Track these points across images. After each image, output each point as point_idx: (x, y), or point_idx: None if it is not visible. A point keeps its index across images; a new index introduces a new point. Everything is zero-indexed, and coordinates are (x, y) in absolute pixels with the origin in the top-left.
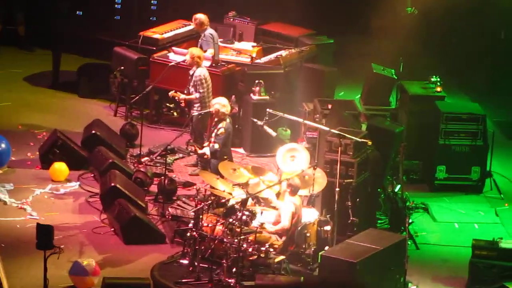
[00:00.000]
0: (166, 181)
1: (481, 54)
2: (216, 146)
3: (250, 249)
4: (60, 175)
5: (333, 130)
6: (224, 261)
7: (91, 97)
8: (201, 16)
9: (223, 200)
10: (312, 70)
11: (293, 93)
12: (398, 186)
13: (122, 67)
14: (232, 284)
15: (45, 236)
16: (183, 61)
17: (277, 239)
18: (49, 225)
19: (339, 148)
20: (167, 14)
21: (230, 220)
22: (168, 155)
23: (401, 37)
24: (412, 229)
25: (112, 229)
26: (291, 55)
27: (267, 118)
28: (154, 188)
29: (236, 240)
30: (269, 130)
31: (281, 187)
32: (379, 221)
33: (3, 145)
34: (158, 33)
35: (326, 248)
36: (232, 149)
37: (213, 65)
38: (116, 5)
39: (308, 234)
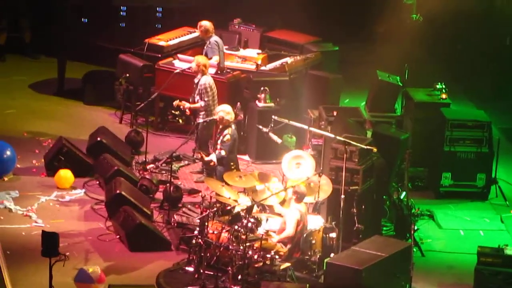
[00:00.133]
0: (171, 188)
1: (486, 60)
2: (223, 153)
3: (255, 256)
4: (65, 183)
5: (338, 137)
6: (230, 268)
7: (96, 104)
8: (206, 23)
9: (229, 207)
10: (317, 77)
11: (299, 100)
12: (404, 193)
13: (127, 74)
14: None
15: (50, 243)
16: (189, 68)
17: (282, 246)
18: (55, 232)
19: (345, 155)
20: (172, 21)
21: (236, 227)
22: (173, 162)
23: (406, 44)
24: (418, 236)
25: (118, 236)
26: (296, 62)
27: (272, 125)
28: (159, 195)
29: (241, 247)
30: (275, 137)
31: (286, 194)
32: (384, 228)
33: (8, 152)
34: (163, 40)
35: (332, 255)
36: (237, 156)
37: (219, 72)
38: (121, 12)
39: (313, 241)
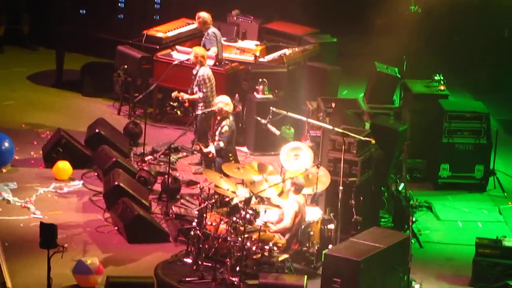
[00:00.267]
0: (169, 180)
1: (484, 52)
2: (221, 144)
3: (253, 248)
4: (63, 174)
5: (336, 129)
6: (228, 259)
7: (94, 96)
8: (204, 15)
9: (227, 199)
10: (315, 68)
11: (297, 91)
12: (402, 185)
13: (126, 66)
14: (235, 282)
15: (48, 235)
16: (187, 60)
17: (280, 237)
18: (53, 224)
19: (343, 146)
20: (171, 12)
21: (234, 218)
22: (171, 153)
23: (405, 35)
24: (416, 227)
25: (116, 228)
26: (295, 53)
27: (270, 116)
28: (157, 187)
29: (239, 239)
30: (273, 129)
31: (285, 185)
32: (382, 220)
33: (6, 144)
34: (161, 31)
35: (330, 246)
36: (236, 147)
37: (217, 64)
38: (119, 4)
39: (311, 233)
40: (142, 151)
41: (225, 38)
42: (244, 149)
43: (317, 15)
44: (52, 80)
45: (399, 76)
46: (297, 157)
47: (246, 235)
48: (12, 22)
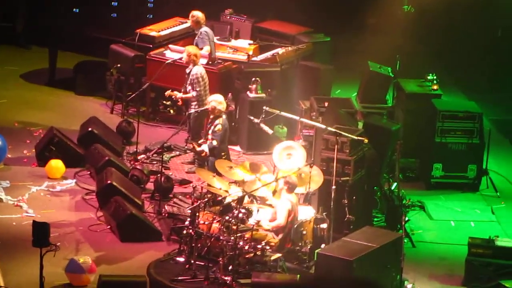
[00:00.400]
0: (162, 179)
1: (477, 52)
2: (214, 142)
3: (246, 247)
4: (56, 173)
5: (329, 128)
6: (220, 258)
7: (87, 95)
8: (198, 14)
9: (220, 198)
10: (308, 68)
11: (290, 91)
12: (395, 184)
13: (119, 65)
14: (228, 281)
15: (41, 233)
16: (180, 59)
17: (274, 236)
18: (45, 222)
19: (336, 146)
20: (164, 11)
21: (227, 217)
22: (164, 152)
23: (398, 35)
24: (409, 227)
25: (109, 227)
26: (288, 53)
27: (263, 116)
28: (150, 185)
29: (232, 238)
30: (266, 128)
31: (277, 185)
32: (375, 219)
33: None
34: (154, 30)
35: (323, 246)
36: (228, 146)
37: (210, 63)
38: (112, 3)
39: (304, 232)
40: (135, 150)
41: (218, 37)
42: (237, 148)
43: (310, 14)
44: (45, 78)
45: (392, 76)
46: (290, 156)
47: (238, 234)
48: (5, 20)
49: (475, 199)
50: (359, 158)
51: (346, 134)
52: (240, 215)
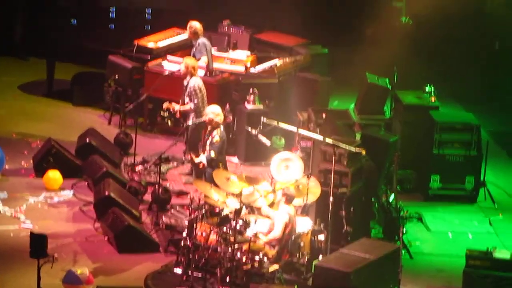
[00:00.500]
0: (160, 190)
1: (475, 64)
2: (213, 154)
3: (244, 259)
4: (54, 184)
5: (327, 140)
6: (218, 270)
7: (85, 106)
8: (196, 24)
9: (217, 209)
10: (306, 79)
11: (288, 102)
12: (392, 196)
13: (117, 76)
14: None
15: (38, 244)
16: (178, 70)
17: (271, 248)
18: (43, 233)
19: (333, 157)
20: (162, 22)
21: (224, 229)
22: (162, 164)
23: (396, 46)
24: (406, 238)
25: (106, 238)
26: (286, 64)
27: (261, 127)
28: (148, 197)
29: (230, 249)
30: (263, 139)
31: (275, 196)
32: (373, 231)
33: None
34: (152, 41)
35: (320, 257)
36: (226, 158)
37: (208, 74)
38: (110, 14)
39: (302, 244)
40: (133, 161)
41: (216, 48)
42: (235, 159)
43: (308, 26)
44: (43, 89)
45: (390, 87)
46: (287, 168)
47: (236, 246)
48: (3, 31)
49: (473, 210)
50: (356, 169)
51: (344, 146)
52: (238, 226)
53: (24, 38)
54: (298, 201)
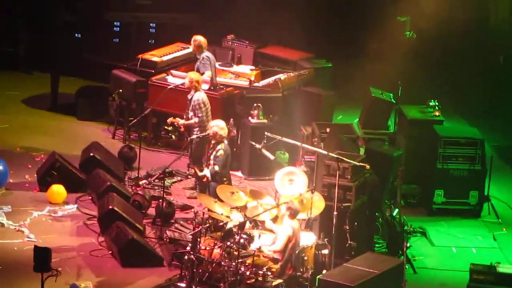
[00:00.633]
0: (164, 204)
1: (479, 79)
2: (216, 168)
3: (247, 273)
4: (58, 198)
5: (331, 154)
6: (222, 284)
7: (89, 120)
8: (200, 38)
9: (221, 223)
10: (310, 93)
11: (292, 116)
12: (396, 210)
13: (121, 90)
14: None
15: (42, 258)
16: (182, 84)
17: (275, 258)
18: (47, 247)
19: (337, 171)
20: (166, 37)
21: (228, 243)
22: (166, 178)
23: (400, 61)
24: (410, 253)
25: (110, 252)
26: (290, 78)
27: (265, 141)
28: (152, 211)
29: (233, 264)
30: (267, 154)
31: (279, 210)
32: (376, 245)
33: (0, 167)
34: (156, 56)
35: (324, 271)
36: (230, 172)
37: (212, 88)
38: (114, 28)
39: (305, 258)
40: (137, 175)
41: (220, 63)
42: (239, 173)
43: (312, 40)
44: (47, 103)
45: (394, 102)
46: (291, 182)
47: (240, 260)
48: (8, 45)
49: (477, 225)
50: (360, 184)
51: (348, 160)
52: (242, 240)
53: (28, 52)
54: (302, 215)
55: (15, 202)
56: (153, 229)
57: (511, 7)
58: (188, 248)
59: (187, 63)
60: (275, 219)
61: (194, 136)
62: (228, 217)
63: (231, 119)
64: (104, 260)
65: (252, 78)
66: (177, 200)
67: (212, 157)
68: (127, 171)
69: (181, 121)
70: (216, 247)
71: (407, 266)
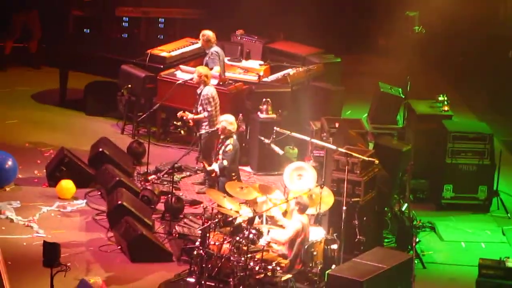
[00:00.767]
0: (173, 199)
1: (488, 73)
2: (225, 162)
3: (256, 268)
4: (67, 193)
5: (340, 149)
6: (231, 279)
7: (98, 115)
8: (209, 33)
9: (230, 218)
10: (319, 88)
11: (301, 111)
12: (405, 205)
13: (130, 85)
14: None
15: (51, 253)
16: (190, 79)
17: (279, 249)
18: (56, 242)
19: (346, 166)
20: (175, 32)
21: (237, 238)
22: (175, 173)
23: (409, 56)
24: (419, 248)
25: (119, 247)
26: (299, 73)
27: (274, 136)
28: (161, 206)
29: (242, 259)
30: (276, 149)
31: (288, 205)
32: (386, 240)
33: (10, 163)
34: (165, 51)
35: (333, 266)
36: (239, 167)
37: (221, 83)
38: (123, 23)
39: (315, 253)
40: (146, 170)
41: (229, 58)
42: (248, 168)
43: (321, 35)
44: (56, 99)
45: (403, 97)
46: (300, 177)
47: (249, 255)
48: (19, 40)
49: (486, 220)
50: (369, 179)
51: (357, 155)
52: (251, 235)
53: (37, 47)
54: (311, 211)
55: (24, 198)
56: (162, 224)
57: None
58: (197, 243)
59: (196, 58)
60: (284, 214)
61: (203, 131)
62: (237, 212)
63: (240, 114)
64: (113, 255)
65: (261, 73)
66: (186, 195)
67: (221, 152)
68: (136, 166)
69: (190, 115)
70: (225, 242)
71: (416, 261)
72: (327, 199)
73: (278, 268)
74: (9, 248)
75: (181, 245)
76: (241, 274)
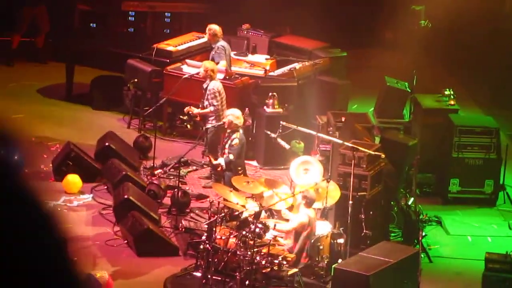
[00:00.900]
0: (179, 194)
1: (495, 67)
2: (231, 156)
3: (263, 262)
4: (73, 187)
5: (346, 143)
6: (237, 273)
7: (104, 109)
8: (215, 27)
9: (237, 213)
10: (325, 83)
11: (307, 105)
12: (412, 199)
13: (136, 79)
14: None
15: None
16: (197, 74)
17: (285, 243)
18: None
19: (353, 161)
20: (181, 26)
21: (244, 232)
22: (181, 167)
23: (415, 50)
24: (425, 242)
25: (125, 241)
26: (305, 68)
27: (280, 130)
28: (167, 200)
29: (249, 253)
30: (283, 143)
31: (295, 200)
32: (392, 234)
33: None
34: (171, 45)
35: (339, 261)
36: (245, 161)
37: (227, 77)
38: (129, 17)
39: (321, 247)
40: (152, 164)
41: (235, 52)
42: (254, 163)
43: (327, 29)
44: (62, 93)
45: (409, 91)
46: (306, 171)
47: (255, 249)
48: (26, 35)
49: (492, 214)
50: (376, 173)
51: (363, 149)
52: (257, 230)
53: (44, 42)
54: (317, 205)
55: None
56: (168, 218)
57: None
58: (203, 237)
59: (202, 52)
60: (290, 208)
61: (209, 125)
62: (243, 206)
63: (246, 109)
64: (120, 250)
65: (267, 68)
66: (193, 189)
67: (227, 146)
68: (142, 160)
69: (196, 110)
70: (231, 236)
71: (422, 255)
72: (334, 193)
73: (285, 262)
74: None
75: (188, 240)
76: (248, 268)
